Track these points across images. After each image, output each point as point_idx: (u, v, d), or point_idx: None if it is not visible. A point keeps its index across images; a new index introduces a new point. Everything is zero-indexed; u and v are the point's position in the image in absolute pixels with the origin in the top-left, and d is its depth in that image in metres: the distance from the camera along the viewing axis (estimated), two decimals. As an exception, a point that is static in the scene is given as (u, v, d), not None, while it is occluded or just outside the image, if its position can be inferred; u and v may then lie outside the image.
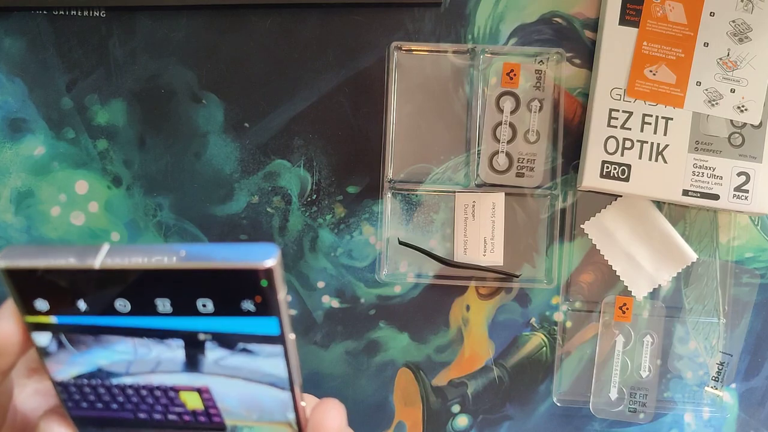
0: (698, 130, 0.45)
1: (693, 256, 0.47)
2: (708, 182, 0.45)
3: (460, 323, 0.48)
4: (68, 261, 0.23)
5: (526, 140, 0.47)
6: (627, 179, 0.45)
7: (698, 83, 0.44)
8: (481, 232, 0.47)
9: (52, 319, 0.25)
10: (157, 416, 0.28)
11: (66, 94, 0.47)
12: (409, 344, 0.48)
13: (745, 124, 0.45)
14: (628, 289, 0.48)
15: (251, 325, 0.25)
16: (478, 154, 0.47)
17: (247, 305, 0.24)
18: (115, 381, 0.27)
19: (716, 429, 0.49)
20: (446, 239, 0.48)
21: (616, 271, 0.48)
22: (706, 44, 0.44)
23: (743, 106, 0.44)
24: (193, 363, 0.26)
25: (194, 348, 0.26)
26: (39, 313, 0.25)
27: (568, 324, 0.48)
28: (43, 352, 0.26)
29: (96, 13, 0.46)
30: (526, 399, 0.49)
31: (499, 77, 0.47)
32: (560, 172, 0.47)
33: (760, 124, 0.45)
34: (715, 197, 0.45)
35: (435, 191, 0.47)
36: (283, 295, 0.24)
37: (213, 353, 0.26)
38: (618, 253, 0.48)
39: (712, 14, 0.44)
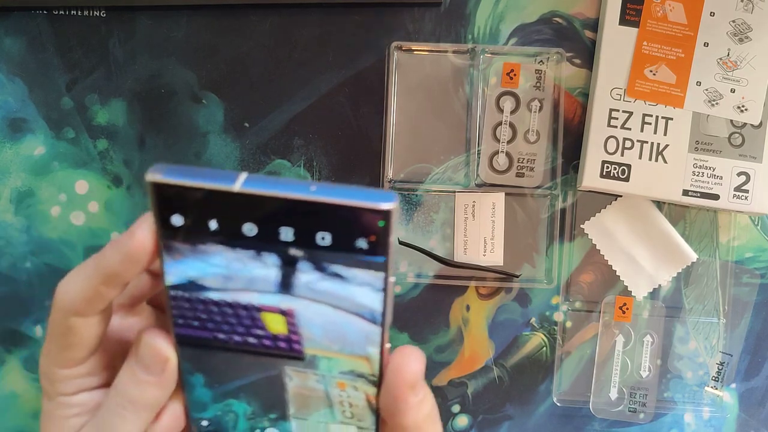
0: (698, 130, 0.45)
1: (693, 256, 0.47)
2: (708, 182, 0.45)
3: (460, 323, 0.48)
4: (210, 182, 0.26)
5: (526, 140, 0.47)
6: (627, 179, 0.45)
7: (698, 83, 0.44)
8: (481, 232, 0.47)
9: (182, 235, 0.27)
10: (237, 338, 0.29)
11: (66, 93, 0.47)
12: (409, 344, 0.48)
13: (745, 124, 0.45)
14: (628, 289, 0.48)
15: (359, 260, 0.27)
16: (478, 154, 0.47)
17: (361, 243, 0.26)
18: (215, 296, 0.28)
19: (716, 429, 0.49)
20: (446, 239, 0.48)
21: (616, 271, 0.48)
22: (706, 44, 0.44)
23: (743, 106, 0.45)
24: (286, 284, 0.28)
25: (290, 267, 0.27)
26: (172, 227, 0.27)
27: (568, 324, 0.48)
28: (164, 264, 0.28)
29: (96, 13, 0.46)
30: (526, 399, 0.49)
31: (499, 77, 0.47)
32: (560, 172, 0.47)
33: (760, 124, 0.45)
34: (715, 197, 0.45)
35: (435, 191, 0.47)
36: (394, 238, 0.26)
37: (308, 276, 0.27)
38: (618, 253, 0.48)
39: (712, 14, 0.44)
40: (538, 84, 0.47)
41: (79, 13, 0.46)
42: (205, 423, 0.31)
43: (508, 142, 0.47)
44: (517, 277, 0.47)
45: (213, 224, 0.27)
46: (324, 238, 0.26)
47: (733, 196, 0.45)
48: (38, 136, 0.47)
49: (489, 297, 0.48)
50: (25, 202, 0.47)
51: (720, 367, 0.48)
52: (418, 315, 0.48)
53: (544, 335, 0.48)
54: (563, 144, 0.47)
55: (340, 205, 0.26)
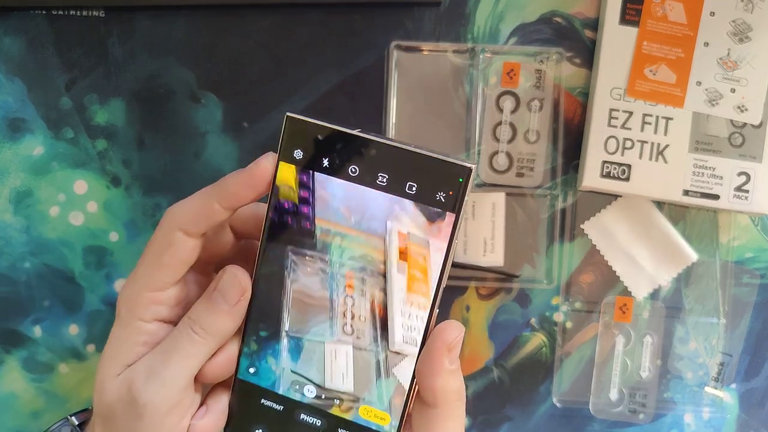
0: (698, 130, 0.45)
1: (693, 256, 0.47)
2: (708, 182, 0.45)
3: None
4: (335, 125, 0.32)
5: (526, 140, 0.47)
6: (627, 179, 0.45)
7: (698, 83, 0.44)
8: (481, 232, 0.47)
9: (299, 168, 0.32)
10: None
11: (65, 93, 0.47)
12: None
13: (745, 124, 0.45)
14: (628, 289, 0.48)
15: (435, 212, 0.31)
16: (478, 153, 0.47)
17: (440, 196, 0.31)
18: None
19: (716, 429, 0.49)
20: (446, 239, 0.47)
21: (616, 271, 0.48)
22: (706, 44, 0.44)
23: (743, 106, 0.44)
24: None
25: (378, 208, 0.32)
26: (293, 160, 0.32)
27: (568, 324, 0.48)
28: (277, 196, 0.33)
29: (95, 13, 0.46)
30: (526, 400, 0.49)
31: (499, 77, 0.47)
32: (560, 172, 0.47)
33: (761, 123, 0.45)
34: (716, 197, 0.45)
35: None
36: (467, 198, 0.31)
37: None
38: (618, 253, 0.47)
39: (712, 14, 0.44)
40: (538, 84, 0.47)
41: (78, 13, 0.46)
42: (252, 370, 0.34)
43: (508, 141, 0.47)
44: (517, 277, 0.47)
45: (325, 162, 0.32)
46: (411, 187, 0.31)
47: (734, 196, 0.45)
48: (37, 136, 0.47)
49: (489, 297, 0.48)
50: (24, 202, 0.47)
51: (720, 368, 0.48)
52: (418, 315, 0.48)
53: (544, 336, 0.48)
54: (563, 144, 0.47)
55: (433, 158, 0.31)
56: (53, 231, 0.47)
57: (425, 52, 0.47)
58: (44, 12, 0.46)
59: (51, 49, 0.46)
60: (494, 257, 0.47)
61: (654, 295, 0.48)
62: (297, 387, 0.34)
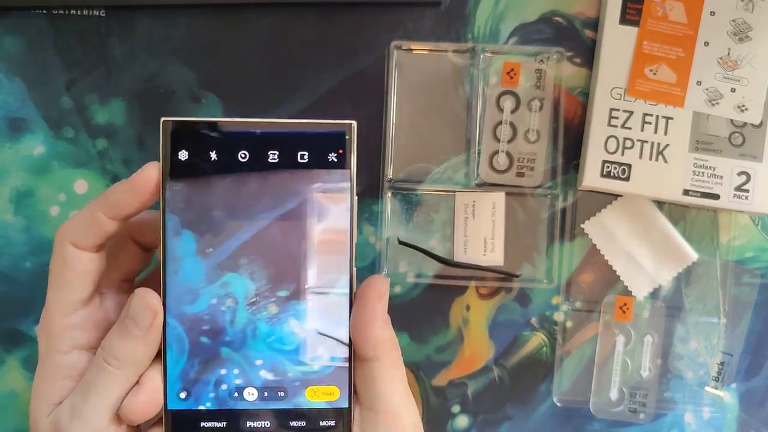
0: (699, 129, 0.45)
1: (693, 255, 0.47)
2: (708, 182, 0.45)
3: (460, 323, 0.48)
4: (213, 118, 0.32)
5: (526, 140, 0.47)
6: (627, 179, 0.45)
7: (698, 83, 0.44)
8: (481, 232, 0.47)
9: (186, 168, 0.32)
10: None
11: (65, 93, 0.47)
12: (408, 344, 0.48)
13: (745, 123, 0.45)
14: (629, 289, 0.48)
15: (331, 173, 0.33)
16: (478, 153, 0.47)
17: (332, 157, 0.32)
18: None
19: (716, 429, 0.49)
20: (446, 239, 0.47)
21: (616, 270, 0.48)
22: (706, 43, 0.44)
23: (744, 106, 0.44)
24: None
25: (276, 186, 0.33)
26: (179, 162, 0.32)
27: (569, 324, 0.48)
28: (168, 199, 0.32)
29: (95, 13, 0.46)
30: (526, 399, 0.49)
31: (499, 76, 0.47)
32: (560, 172, 0.47)
33: (761, 123, 0.45)
34: (716, 197, 0.45)
35: (435, 191, 0.47)
36: (355, 154, 0.33)
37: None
38: (618, 252, 0.48)
39: (712, 13, 0.44)
40: (538, 83, 0.47)
41: (79, 12, 0.46)
42: (183, 395, 0.33)
43: (509, 141, 0.47)
44: (517, 276, 0.47)
45: (213, 155, 0.32)
46: (303, 157, 0.33)
47: (734, 196, 0.45)
48: (37, 135, 0.47)
49: (489, 297, 0.48)
50: (25, 201, 0.47)
51: (720, 367, 0.48)
52: (418, 315, 0.48)
53: (544, 335, 0.48)
54: (563, 143, 0.47)
55: (315, 123, 0.33)
56: (54, 231, 0.47)
57: (425, 52, 0.47)
58: (44, 11, 0.46)
59: (51, 49, 0.46)
60: (494, 257, 0.47)
61: (654, 294, 0.48)
62: (236, 394, 0.33)
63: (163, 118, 0.32)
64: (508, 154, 0.47)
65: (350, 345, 0.33)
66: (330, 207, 0.33)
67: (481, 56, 0.46)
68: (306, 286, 0.33)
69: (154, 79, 0.47)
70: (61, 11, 0.46)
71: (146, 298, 0.31)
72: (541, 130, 0.47)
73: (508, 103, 0.47)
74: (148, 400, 0.32)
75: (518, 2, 0.46)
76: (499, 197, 0.47)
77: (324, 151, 0.33)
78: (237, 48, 0.46)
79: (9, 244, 0.47)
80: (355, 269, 0.34)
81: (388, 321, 0.33)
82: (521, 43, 0.47)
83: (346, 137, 0.33)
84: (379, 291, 0.33)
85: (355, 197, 0.33)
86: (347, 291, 0.34)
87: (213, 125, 0.32)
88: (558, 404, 0.49)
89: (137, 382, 0.32)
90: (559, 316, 0.48)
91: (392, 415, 0.33)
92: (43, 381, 0.33)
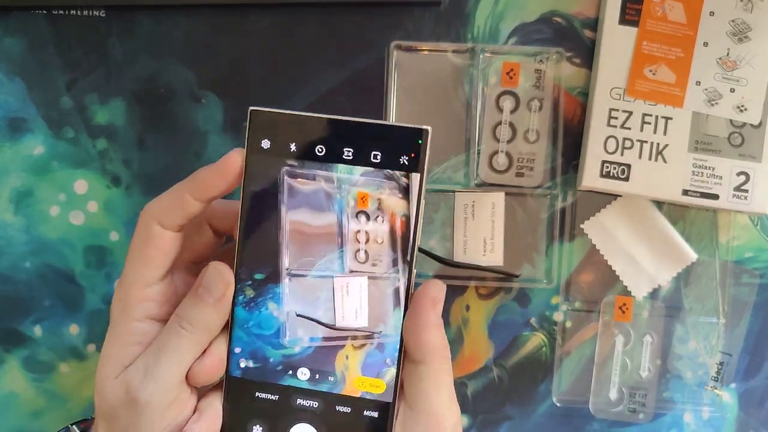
0: (698, 129, 0.45)
1: (693, 256, 0.47)
2: (708, 182, 0.45)
3: (459, 323, 0.48)
4: (297, 112, 0.33)
5: (525, 140, 0.47)
6: (627, 179, 0.45)
7: (698, 83, 0.45)
8: (480, 232, 0.47)
9: (269, 156, 0.34)
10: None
11: (65, 93, 0.47)
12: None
13: (744, 123, 0.45)
14: (628, 289, 0.48)
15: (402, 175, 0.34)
16: (478, 153, 0.47)
17: (404, 160, 0.33)
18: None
19: (716, 429, 0.49)
20: (446, 239, 0.48)
21: (615, 271, 0.48)
22: (705, 44, 0.44)
23: (743, 106, 0.45)
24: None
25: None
26: (261, 150, 0.34)
27: (568, 324, 0.48)
28: (248, 186, 0.34)
29: (95, 13, 0.46)
30: (526, 399, 0.49)
31: (499, 77, 0.47)
32: (560, 172, 0.47)
33: (760, 123, 0.45)
34: (715, 197, 0.45)
35: (434, 191, 0.47)
36: (427, 158, 0.33)
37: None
38: (618, 253, 0.48)
39: (711, 14, 0.44)
40: (537, 83, 0.47)
41: (79, 12, 0.46)
42: (243, 364, 0.35)
43: (508, 141, 0.47)
44: (517, 277, 0.47)
45: (292, 146, 0.34)
46: (376, 156, 0.33)
47: (733, 196, 0.45)
48: (38, 135, 0.47)
49: (489, 297, 0.48)
50: (25, 201, 0.47)
51: (720, 367, 0.48)
52: (418, 315, 0.48)
53: (544, 335, 0.48)
54: (563, 144, 0.47)
55: (390, 126, 0.34)
56: (54, 231, 0.47)
57: (425, 52, 0.47)
58: (44, 12, 0.46)
59: (51, 49, 0.46)
60: (494, 257, 0.47)
61: (654, 294, 0.48)
62: (290, 372, 0.35)
63: (251, 108, 0.33)
64: (508, 154, 0.47)
65: (401, 345, 0.35)
66: (397, 209, 0.34)
67: (481, 56, 0.46)
68: (365, 285, 0.35)
69: (154, 79, 0.47)
70: (61, 11, 0.46)
71: (220, 270, 0.34)
72: (540, 130, 0.47)
73: (507, 103, 0.47)
74: (213, 365, 0.34)
75: (518, 2, 0.46)
76: (498, 197, 0.47)
77: (397, 154, 0.33)
78: (237, 48, 0.47)
79: (9, 244, 0.47)
80: (414, 271, 0.34)
81: (441, 326, 0.34)
82: (521, 43, 0.47)
83: (419, 141, 0.33)
84: (434, 297, 0.34)
85: (423, 201, 0.34)
86: (404, 293, 0.35)
87: (296, 119, 0.33)
88: (557, 404, 0.49)
89: (205, 349, 0.34)
90: (558, 316, 0.48)
91: (434, 417, 0.34)
92: (114, 345, 0.35)
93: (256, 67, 0.47)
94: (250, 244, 0.35)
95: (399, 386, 0.35)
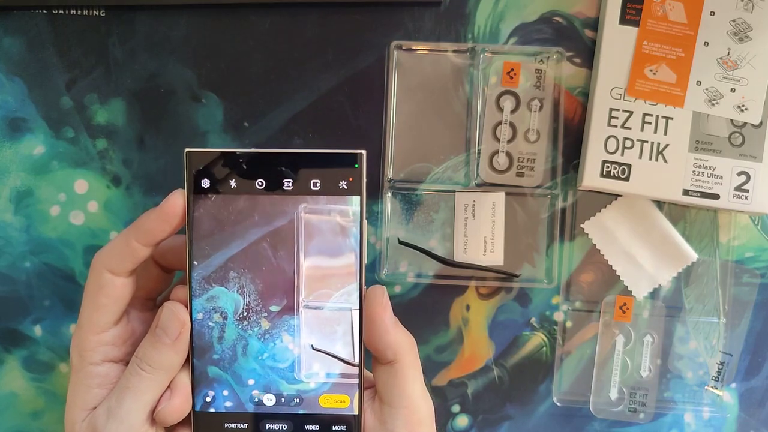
0: (698, 129, 0.45)
1: (693, 255, 0.47)
2: (708, 182, 0.45)
3: (460, 323, 0.48)
4: (231, 148, 0.35)
5: (526, 140, 0.47)
6: (627, 179, 0.45)
7: (698, 83, 0.44)
8: (481, 232, 0.47)
9: (209, 196, 0.35)
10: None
11: (65, 93, 0.47)
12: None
13: (745, 123, 0.45)
14: (628, 288, 0.48)
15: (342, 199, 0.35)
16: (478, 153, 0.47)
17: (343, 184, 0.35)
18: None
19: (716, 429, 0.49)
20: (446, 239, 0.48)
21: (616, 270, 0.48)
22: (706, 44, 0.44)
23: (743, 106, 0.44)
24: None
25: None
26: (202, 189, 0.35)
27: (568, 324, 0.48)
28: (192, 225, 0.35)
29: (95, 12, 0.46)
30: (526, 399, 0.49)
31: (499, 76, 0.47)
32: (560, 172, 0.47)
33: (761, 123, 0.45)
34: (716, 197, 0.45)
35: (435, 191, 0.47)
36: (364, 180, 0.35)
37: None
38: (618, 252, 0.48)
39: (712, 14, 0.44)
40: (538, 83, 0.47)
41: (79, 12, 0.46)
42: (208, 398, 0.36)
43: (508, 141, 0.47)
44: (517, 276, 0.47)
45: (232, 183, 0.35)
46: (316, 184, 0.35)
47: (733, 196, 0.45)
48: (38, 135, 0.47)
49: (489, 297, 0.48)
50: (25, 201, 0.47)
51: (720, 367, 0.48)
52: (418, 315, 0.48)
53: (544, 335, 0.48)
54: (563, 143, 0.47)
55: (325, 154, 0.35)
56: (54, 230, 0.47)
57: (425, 52, 0.47)
58: (44, 11, 0.46)
59: (51, 49, 0.46)
60: (494, 257, 0.47)
61: (654, 294, 0.48)
62: (256, 399, 0.36)
63: (186, 150, 0.35)
64: (508, 154, 0.47)
65: (361, 359, 0.36)
66: (341, 231, 0.35)
67: (481, 56, 0.46)
68: (317, 305, 0.36)
69: (154, 79, 0.47)
70: (61, 11, 0.46)
71: (175, 310, 0.35)
72: (541, 130, 0.47)
73: (508, 103, 0.47)
74: (182, 404, 0.36)
75: (518, 2, 0.46)
76: (499, 197, 0.47)
77: (336, 179, 0.35)
78: (237, 48, 0.47)
79: (9, 243, 0.47)
80: (365, 288, 0.36)
81: (398, 323, 0.36)
82: (521, 43, 0.47)
83: (356, 165, 0.35)
84: (381, 302, 0.36)
85: (365, 221, 0.35)
86: (358, 309, 0.36)
87: (231, 156, 0.35)
88: (558, 404, 0.49)
89: (169, 387, 0.36)
90: (559, 316, 0.48)
91: (412, 409, 0.36)
92: (77, 390, 0.36)
93: (255, 66, 0.47)
94: (196, 283, 0.36)
95: (374, 388, 0.37)
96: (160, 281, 0.40)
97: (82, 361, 0.36)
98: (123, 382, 0.35)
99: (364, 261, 0.36)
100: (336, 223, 0.35)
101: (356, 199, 0.35)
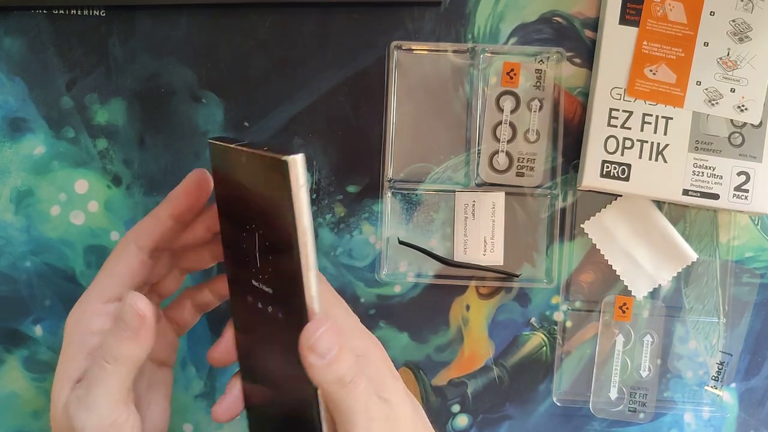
0: (698, 129, 0.45)
1: (693, 255, 0.47)
2: (708, 182, 0.45)
3: (460, 323, 0.48)
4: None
5: (526, 140, 0.47)
6: (627, 179, 0.45)
7: (698, 83, 0.44)
8: (481, 232, 0.47)
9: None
10: None
11: (66, 93, 0.47)
12: (408, 344, 0.48)
13: (745, 123, 0.45)
14: (628, 288, 0.48)
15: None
16: (478, 153, 0.47)
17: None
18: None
19: (716, 429, 0.49)
20: (446, 239, 0.48)
21: (616, 270, 0.48)
22: (706, 44, 0.44)
23: (743, 106, 0.45)
24: None
25: None
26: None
27: (568, 324, 0.48)
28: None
29: (96, 12, 0.46)
30: (526, 399, 0.49)
31: (499, 77, 0.47)
32: (560, 172, 0.47)
33: (760, 123, 0.45)
34: (715, 197, 0.45)
35: (435, 191, 0.47)
36: (298, 187, 0.31)
37: None
38: (618, 252, 0.48)
39: (712, 14, 0.44)
40: (538, 83, 0.47)
41: (79, 12, 0.46)
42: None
43: (508, 141, 0.47)
44: (517, 276, 0.47)
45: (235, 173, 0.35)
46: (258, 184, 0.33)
47: (733, 196, 0.45)
48: (38, 135, 0.47)
49: (489, 297, 0.48)
50: (25, 201, 0.47)
51: (720, 367, 0.48)
52: (418, 315, 0.48)
53: (544, 335, 0.48)
54: (563, 143, 0.47)
55: (259, 154, 0.32)
56: (54, 230, 0.47)
57: (425, 53, 0.47)
58: (45, 11, 0.46)
59: (52, 49, 0.46)
60: (494, 256, 0.47)
61: (654, 294, 0.48)
62: None
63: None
64: (508, 154, 0.47)
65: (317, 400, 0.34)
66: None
67: (481, 56, 0.46)
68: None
69: (154, 78, 0.47)
70: (62, 11, 0.46)
71: (135, 303, 0.34)
72: (540, 130, 0.47)
73: (507, 103, 0.47)
74: (225, 352, 0.38)
75: (518, 2, 0.46)
76: (499, 197, 0.47)
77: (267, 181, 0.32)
78: (237, 48, 0.47)
79: (9, 243, 0.47)
80: (312, 307, 0.32)
81: (328, 363, 0.32)
82: (521, 43, 0.47)
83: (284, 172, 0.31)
84: (308, 344, 0.32)
85: (306, 219, 0.31)
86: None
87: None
88: (558, 404, 0.49)
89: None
90: (558, 316, 0.48)
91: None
92: (65, 360, 0.36)
93: (256, 66, 0.47)
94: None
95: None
96: (174, 281, 0.41)
97: (79, 325, 0.36)
98: (91, 374, 0.35)
99: (308, 284, 0.32)
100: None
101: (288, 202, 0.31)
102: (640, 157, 0.45)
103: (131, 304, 0.34)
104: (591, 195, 0.47)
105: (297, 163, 0.30)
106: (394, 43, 0.46)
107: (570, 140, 0.47)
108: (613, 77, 0.45)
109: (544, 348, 0.48)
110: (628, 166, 0.45)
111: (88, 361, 0.36)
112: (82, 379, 0.35)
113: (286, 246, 0.31)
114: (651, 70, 0.44)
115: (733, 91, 0.44)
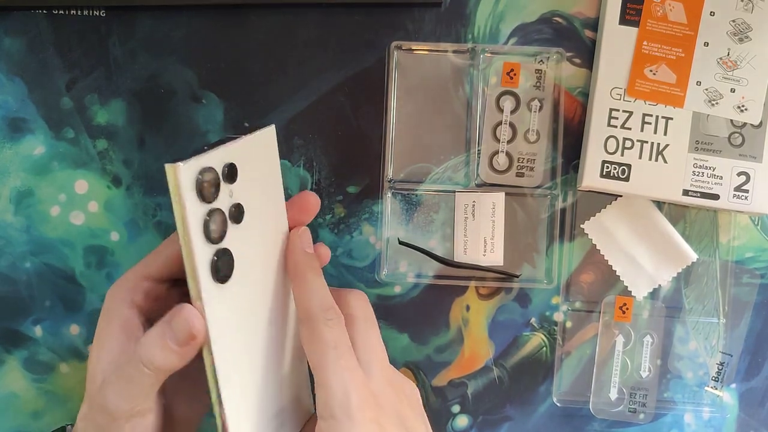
0: (698, 129, 0.45)
1: (693, 256, 0.47)
2: (708, 182, 0.45)
3: (460, 323, 0.48)
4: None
5: (526, 140, 0.47)
6: (627, 179, 0.45)
7: (698, 83, 0.44)
8: (481, 232, 0.47)
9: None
10: None
11: (66, 93, 0.47)
12: (408, 344, 0.48)
13: (745, 123, 0.45)
14: (628, 289, 0.48)
15: None
16: (478, 153, 0.47)
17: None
18: None
19: (716, 429, 0.49)
20: (446, 239, 0.48)
21: (616, 271, 0.48)
22: (706, 44, 0.44)
23: (743, 106, 0.44)
24: None
25: None
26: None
27: (568, 324, 0.48)
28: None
29: (96, 13, 0.46)
30: (526, 399, 0.49)
31: (499, 77, 0.47)
32: (560, 172, 0.47)
33: (760, 123, 0.45)
34: (715, 197, 0.45)
35: (435, 191, 0.47)
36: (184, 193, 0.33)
37: None
38: (618, 253, 0.48)
39: (712, 14, 0.44)
40: (538, 84, 0.47)
41: (79, 12, 0.46)
42: None
43: (508, 141, 0.47)
44: (517, 277, 0.47)
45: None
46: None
47: (733, 196, 0.45)
48: (38, 135, 0.47)
49: (489, 297, 0.48)
50: (25, 201, 0.47)
51: (720, 367, 0.48)
52: (418, 315, 0.48)
53: (544, 335, 0.48)
54: (563, 144, 0.47)
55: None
56: (54, 231, 0.47)
57: (425, 53, 0.47)
58: (45, 11, 0.46)
59: (51, 49, 0.46)
60: (494, 257, 0.47)
61: (654, 294, 0.48)
62: None
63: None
64: (508, 155, 0.47)
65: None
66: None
67: (481, 56, 0.46)
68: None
69: (154, 79, 0.47)
70: (61, 11, 0.46)
71: (189, 319, 0.33)
72: (540, 130, 0.47)
73: (507, 103, 0.47)
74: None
75: (518, 2, 0.46)
76: (499, 197, 0.47)
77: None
78: (237, 48, 0.47)
79: (9, 244, 0.47)
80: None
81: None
82: (521, 44, 0.47)
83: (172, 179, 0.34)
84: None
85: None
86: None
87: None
88: (558, 404, 0.49)
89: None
90: (558, 316, 0.48)
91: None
92: (101, 331, 0.37)
93: (256, 66, 0.47)
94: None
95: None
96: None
97: (119, 291, 0.37)
98: (125, 369, 0.35)
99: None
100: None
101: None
102: (640, 157, 0.45)
103: (187, 319, 0.33)
104: (591, 195, 0.47)
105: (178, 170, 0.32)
106: (394, 44, 0.46)
107: (570, 140, 0.47)
108: (613, 77, 0.45)
109: (544, 348, 0.48)
110: (628, 166, 0.45)
111: (121, 334, 0.36)
112: (119, 367, 0.35)
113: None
114: (651, 71, 0.44)
115: (733, 91, 0.44)
